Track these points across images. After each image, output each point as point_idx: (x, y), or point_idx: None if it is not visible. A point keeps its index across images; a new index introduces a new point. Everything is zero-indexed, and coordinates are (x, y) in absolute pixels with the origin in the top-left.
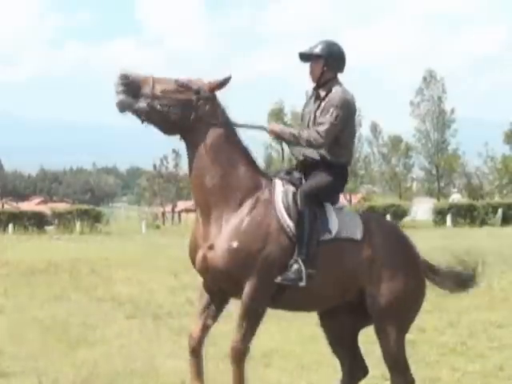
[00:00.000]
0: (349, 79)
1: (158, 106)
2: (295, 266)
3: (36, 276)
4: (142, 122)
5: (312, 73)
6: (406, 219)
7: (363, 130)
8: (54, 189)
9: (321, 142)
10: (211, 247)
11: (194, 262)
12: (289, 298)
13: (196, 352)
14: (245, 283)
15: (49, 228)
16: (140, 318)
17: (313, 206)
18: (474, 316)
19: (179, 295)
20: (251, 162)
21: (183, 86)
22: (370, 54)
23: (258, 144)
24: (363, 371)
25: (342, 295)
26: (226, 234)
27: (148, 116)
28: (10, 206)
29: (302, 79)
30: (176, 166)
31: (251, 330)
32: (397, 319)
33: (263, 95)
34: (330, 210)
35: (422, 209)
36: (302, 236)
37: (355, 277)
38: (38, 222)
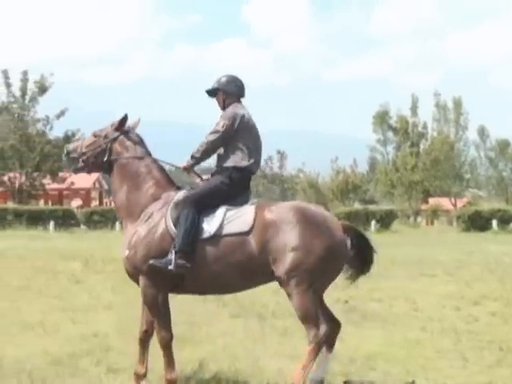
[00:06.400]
0: (456, 82)
1: (85, 159)
2: (169, 256)
3: None
4: (88, 172)
5: (217, 102)
6: None
7: (470, 134)
8: None
9: (204, 143)
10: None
11: None
12: (191, 285)
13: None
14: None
15: None
16: (244, 317)
17: (191, 209)
18: None
19: (283, 295)
20: (158, 181)
21: (95, 136)
22: (477, 55)
23: (361, 146)
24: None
25: (249, 282)
26: (124, 243)
27: (86, 169)
28: None
29: (409, 82)
30: (281, 166)
31: (159, 319)
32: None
33: (369, 97)
34: (218, 212)
35: None
36: (178, 234)
37: (256, 265)
38: None
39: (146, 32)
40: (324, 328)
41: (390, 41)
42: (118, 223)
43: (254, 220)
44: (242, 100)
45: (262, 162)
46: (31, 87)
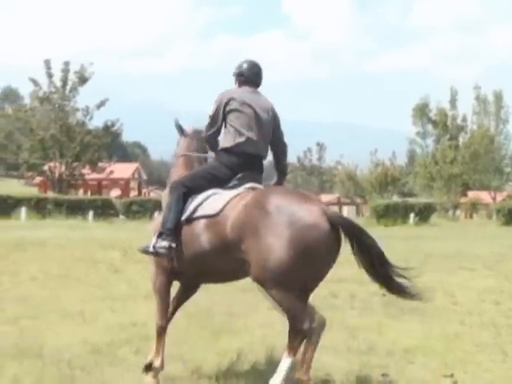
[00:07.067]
0: (497, 76)
1: None
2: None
3: None
4: None
5: None
6: None
7: (511, 127)
8: None
9: (204, 133)
10: None
11: None
12: (184, 271)
13: None
14: None
15: None
16: None
17: (176, 193)
18: None
19: (320, 288)
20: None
21: None
22: None
23: (400, 139)
24: None
25: (235, 269)
26: None
27: None
28: (155, 194)
29: (449, 75)
30: (320, 158)
31: (159, 306)
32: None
33: (409, 90)
34: (201, 195)
35: None
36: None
37: (230, 250)
38: None
39: (187, 23)
40: (317, 318)
41: (430, 34)
42: (156, 214)
43: (225, 205)
44: (260, 89)
45: (301, 154)
46: (72, 78)
